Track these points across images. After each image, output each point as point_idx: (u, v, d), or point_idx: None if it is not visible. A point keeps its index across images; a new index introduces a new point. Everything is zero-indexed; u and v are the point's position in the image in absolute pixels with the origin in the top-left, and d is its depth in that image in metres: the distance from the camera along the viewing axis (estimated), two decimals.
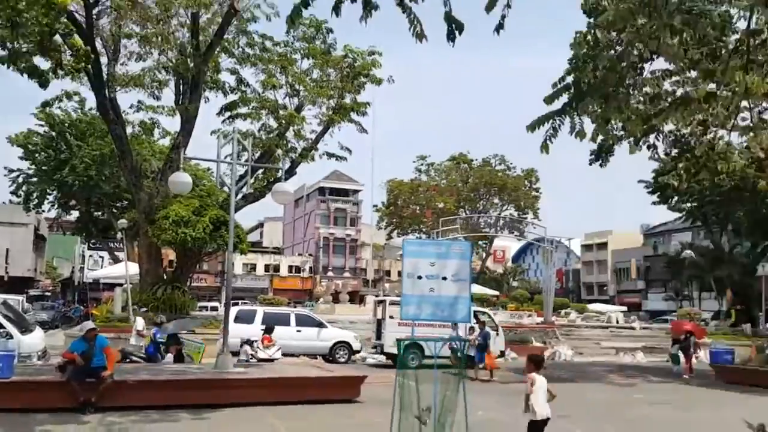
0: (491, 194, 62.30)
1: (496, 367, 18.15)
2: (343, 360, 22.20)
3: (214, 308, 43.98)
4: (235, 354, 17.39)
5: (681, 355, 22.46)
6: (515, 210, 60.95)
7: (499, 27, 5.98)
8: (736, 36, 6.18)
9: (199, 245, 25.33)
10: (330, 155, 28.35)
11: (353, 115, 27.44)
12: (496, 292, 54.69)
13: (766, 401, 14.91)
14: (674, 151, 20.59)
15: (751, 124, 11.61)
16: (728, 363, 21.37)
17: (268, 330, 18.81)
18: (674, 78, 7.11)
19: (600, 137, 7.11)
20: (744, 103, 8.09)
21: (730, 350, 22.76)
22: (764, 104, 19.95)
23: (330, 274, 70.57)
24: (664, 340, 34.80)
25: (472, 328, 16.75)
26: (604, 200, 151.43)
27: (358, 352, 23.41)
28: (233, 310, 19.80)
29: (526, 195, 61.24)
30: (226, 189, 19.75)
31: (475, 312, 23.88)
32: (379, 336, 21.99)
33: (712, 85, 6.61)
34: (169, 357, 15.89)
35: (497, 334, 23.19)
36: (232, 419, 10.70)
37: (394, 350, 16.62)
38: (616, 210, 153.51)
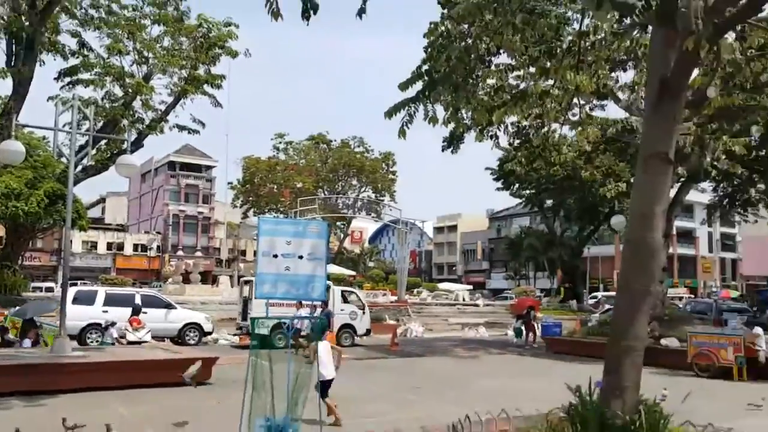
0: (350, 176, 62.92)
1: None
2: (193, 342, 21.58)
3: (50, 289, 40.76)
4: (74, 338, 16.28)
5: (523, 328, 24.75)
6: (373, 192, 62.14)
7: (361, 11, 6.06)
8: (571, 37, 6.82)
9: (33, 220, 23.32)
10: (181, 128, 27.10)
11: (207, 88, 26.40)
12: (353, 272, 55.63)
13: (586, 368, 16.66)
14: (517, 142, 22.26)
15: (580, 120, 12.82)
16: (556, 335, 23.70)
17: (136, 312, 17.99)
18: (516, 73, 7.69)
19: (451, 125, 7.51)
20: (576, 100, 8.96)
21: (558, 323, 25.26)
22: (595, 101, 22.18)
23: (180, 253, 67.56)
24: (504, 316, 37.73)
25: (314, 307, 16.99)
26: (455, 185, 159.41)
27: (210, 333, 22.84)
28: (71, 291, 18.44)
29: (383, 178, 62.58)
30: (64, 160, 18.28)
31: (342, 291, 24.45)
32: (245, 317, 21.68)
33: (549, 82, 7.25)
34: (27, 342, 14.59)
35: (364, 313, 23.85)
36: (72, 405, 10.04)
37: (262, 330, 16.52)
38: (465, 194, 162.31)
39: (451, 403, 10.99)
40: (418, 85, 7.29)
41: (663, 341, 18.57)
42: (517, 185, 44.13)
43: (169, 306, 22.04)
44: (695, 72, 14.94)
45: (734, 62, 6.87)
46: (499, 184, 44.36)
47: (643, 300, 5.99)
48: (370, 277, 59.71)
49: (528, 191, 46.07)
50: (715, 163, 19.06)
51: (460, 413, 6.94)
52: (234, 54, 25.96)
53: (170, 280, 40.31)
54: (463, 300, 45.63)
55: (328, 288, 23.34)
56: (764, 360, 15.36)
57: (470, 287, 63.13)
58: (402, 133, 7.26)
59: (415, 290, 51.35)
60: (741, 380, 15.04)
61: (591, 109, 22.15)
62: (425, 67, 6.93)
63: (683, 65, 5.79)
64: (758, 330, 16.27)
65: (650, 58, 6.25)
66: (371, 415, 10.18)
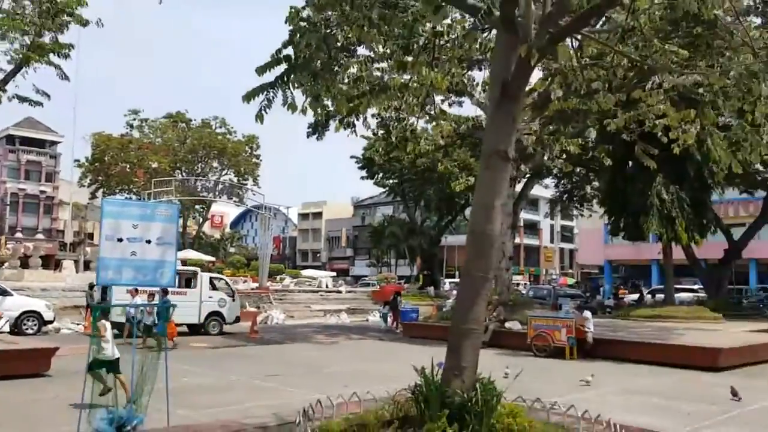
0: (210, 157, 60.52)
1: (175, 335, 18.01)
2: (31, 332, 19.96)
3: None
4: None
5: (389, 313, 26.11)
6: (235, 175, 60.34)
7: None
8: (426, 35, 7.11)
9: None
10: (22, 99, 24.60)
11: (53, 58, 24.19)
12: (212, 258, 53.92)
13: (438, 350, 17.53)
14: (380, 132, 22.77)
15: (435, 115, 13.37)
16: (413, 320, 24.70)
17: None
18: (378, 64, 7.85)
19: (311, 112, 7.53)
20: (432, 96, 9.34)
21: (415, 309, 26.39)
22: (454, 97, 23.18)
23: (19, 235, 61.47)
24: (365, 302, 38.63)
25: (152, 295, 16.39)
26: (322, 172, 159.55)
27: (51, 322, 21.20)
28: None
29: (246, 161, 60.98)
30: None
31: (211, 278, 23.72)
32: None
33: (407, 76, 7.51)
34: None
35: (233, 300, 23.36)
36: None
37: (121, 319, 15.61)
38: (332, 182, 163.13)
39: (309, 388, 11.09)
40: (279, 70, 7.23)
41: (507, 324, 20.00)
42: (380, 174, 45.15)
43: (4, 293, 20.26)
44: (539, 75, 16.25)
45: (570, 69, 7.55)
46: (364, 173, 45.08)
47: (483, 286, 6.44)
48: (230, 263, 58.31)
49: (391, 181, 47.32)
50: (552, 162, 20.73)
51: (315, 398, 7.05)
52: (84, 23, 23.95)
53: (6, 264, 36.70)
54: (327, 287, 45.99)
55: (195, 274, 22.77)
56: (592, 340, 17.07)
57: (334, 274, 63.76)
58: (259, 117, 7.17)
59: (278, 277, 50.95)
60: (572, 359, 16.58)
61: (450, 105, 23.19)
62: (285, 51, 6.89)
63: (522, 70, 6.25)
64: (587, 314, 18.01)
65: (494, 60, 6.69)
66: (226, 404, 10.03)
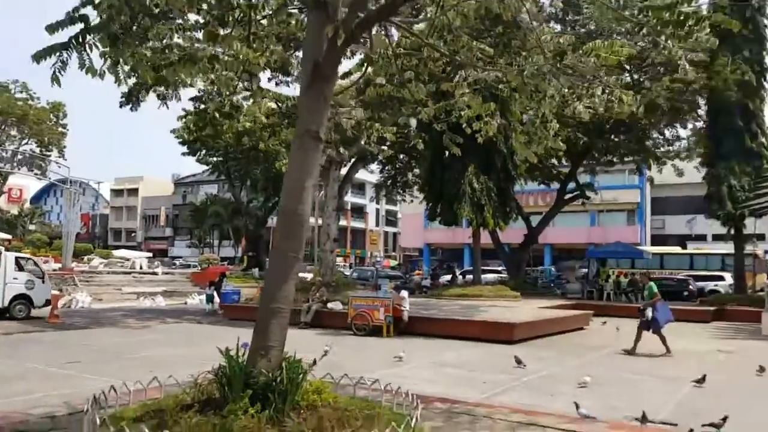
0: (8, 125, 53.74)
1: None
2: None
3: None
4: None
5: (215, 294, 25.91)
6: (37, 146, 54.18)
7: None
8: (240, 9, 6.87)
9: None
10: None
11: None
12: (8, 236, 48.16)
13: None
14: (201, 106, 21.79)
15: (252, 91, 13.07)
16: (234, 302, 24.24)
17: None
18: (191, 34, 7.43)
19: (113, 78, 6.92)
20: (248, 72, 9.09)
21: (236, 291, 25.90)
22: (282, 76, 22.85)
23: None
24: (184, 284, 37.17)
25: None
26: (140, 145, 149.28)
27: None
28: None
29: (51, 130, 54.98)
30: None
31: (17, 258, 21.52)
32: None
33: (220, 49, 7.21)
34: None
35: (43, 282, 21.86)
36: None
37: None
38: (151, 157, 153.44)
39: (111, 375, 10.40)
40: (76, 29, 6.56)
41: (329, 305, 20.41)
42: (203, 151, 43.35)
43: None
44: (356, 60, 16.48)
45: (384, 56, 7.79)
46: (185, 149, 42.89)
47: (293, 266, 6.45)
48: (30, 242, 52.67)
49: (215, 158, 45.64)
50: (371, 147, 21.37)
51: (118, 385, 6.62)
52: None
53: None
54: (141, 268, 43.52)
55: None
56: (407, 318, 18.00)
57: (150, 254, 60.36)
58: (56, 80, 6.46)
59: (86, 257, 47.09)
60: (389, 336, 17.36)
61: (277, 84, 22.86)
62: (84, 11, 6.23)
63: (333, 51, 6.30)
64: (404, 293, 18.94)
65: (306, 40, 6.68)
66: (11, 395, 9.11)
